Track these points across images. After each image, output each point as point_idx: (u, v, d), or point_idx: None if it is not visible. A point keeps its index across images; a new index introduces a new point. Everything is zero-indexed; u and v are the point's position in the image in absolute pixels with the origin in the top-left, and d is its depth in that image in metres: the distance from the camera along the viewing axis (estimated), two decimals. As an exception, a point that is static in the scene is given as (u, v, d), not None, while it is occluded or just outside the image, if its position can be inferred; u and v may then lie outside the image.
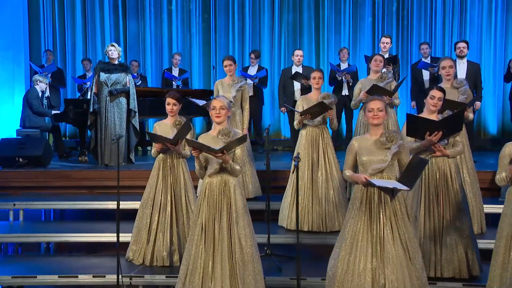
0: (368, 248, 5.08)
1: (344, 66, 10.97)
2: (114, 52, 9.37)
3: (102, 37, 13.56)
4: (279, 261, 6.56)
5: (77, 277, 6.36)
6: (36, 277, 6.44)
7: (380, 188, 4.99)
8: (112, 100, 9.30)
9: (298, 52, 10.78)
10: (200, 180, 6.12)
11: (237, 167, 5.37)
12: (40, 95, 10.96)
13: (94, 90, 9.44)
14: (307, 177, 7.28)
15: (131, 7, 13.52)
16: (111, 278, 5.97)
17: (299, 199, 7.22)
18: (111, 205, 7.96)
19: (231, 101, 7.93)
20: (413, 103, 10.48)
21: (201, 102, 8.59)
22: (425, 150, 5.84)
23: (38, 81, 10.92)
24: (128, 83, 9.43)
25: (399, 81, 7.93)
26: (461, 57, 9.60)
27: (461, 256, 5.83)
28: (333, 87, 11.06)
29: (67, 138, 13.32)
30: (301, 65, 10.73)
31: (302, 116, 7.29)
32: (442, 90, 5.98)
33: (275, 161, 9.75)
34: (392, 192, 5.01)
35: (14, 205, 8.21)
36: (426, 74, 10.39)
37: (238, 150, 5.42)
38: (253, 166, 8.21)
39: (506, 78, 10.79)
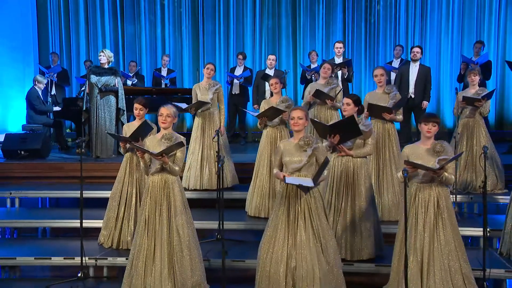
0: (285, 236, 5.43)
1: (313, 67, 11.25)
2: (103, 57, 9.72)
3: (103, 39, 13.88)
4: (230, 245, 6.82)
5: (50, 259, 6.70)
6: (15, 258, 6.77)
7: (294, 184, 5.38)
8: (102, 96, 9.62)
9: (271, 57, 11.14)
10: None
11: (176, 168, 5.67)
12: (41, 93, 11.27)
13: (86, 90, 9.82)
14: (265, 172, 7.57)
15: (128, 13, 13.80)
16: (80, 259, 6.33)
17: (259, 187, 7.65)
18: (99, 194, 8.34)
19: (208, 102, 8.25)
20: None
21: (183, 106, 8.72)
22: (334, 150, 6.20)
23: (37, 81, 11.24)
24: (116, 85, 9.75)
25: (340, 90, 8.19)
26: (415, 61, 9.90)
27: (366, 240, 6.21)
28: (303, 85, 11.39)
29: (73, 131, 13.62)
30: (273, 68, 11.07)
31: (260, 119, 7.61)
32: (350, 97, 6.29)
33: (251, 154, 10.11)
34: (307, 188, 5.38)
35: (11, 193, 8.53)
36: (393, 75, 10.66)
37: (179, 153, 5.70)
38: (230, 159, 8.45)
39: (458, 78, 10.99)
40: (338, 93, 8.04)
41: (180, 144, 5.65)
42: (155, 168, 5.74)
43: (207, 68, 8.49)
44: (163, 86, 12.36)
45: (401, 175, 5.40)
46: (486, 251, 6.33)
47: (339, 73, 10.38)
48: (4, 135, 10.70)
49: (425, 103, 9.91)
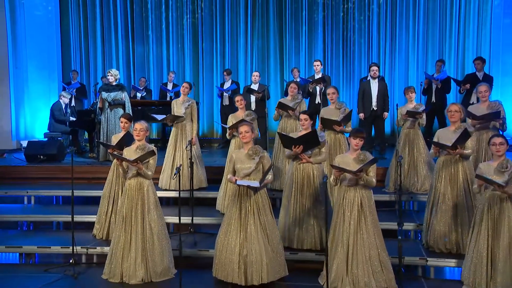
0: (238, 229, 5.89)
1: (296, 81, 11.57)
2: (111, 77, 10.14)
3: (116, 58, 14.30)
4: (202, 237, 7.31)
5: (50, 248, 7.17)
6: (21, 247, 7.25)
7: (244, 186, 5.84)
8: (112, 109, 10.03)
9: (255, 73, 11.37)
10: None
11: (149, 173, 6.14)
12: (64, 106, 11.82)
13: (98, 105, 10.30)
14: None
15: (138, 35, 14.18)
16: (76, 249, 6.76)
17: (230, 188, 7.93)
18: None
19: (181, 116, 8.52)
20: (361, 115, 10.39)
21: (159, 117, 8.99)
22: (296, 157, 6.59)
23: (62, 96, 11.81)
24: (123, 98, 10.15)
25: (301, 99, 8.58)
26: (374, 78, 10.19)
27: (317, 234, 6.61)
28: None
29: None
30: (258, 83, 11.36)
31: (230, 130, 8.04)
32: (305, 113, 6.70)
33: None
34: (256, 188, 5.83)
35: (27, 192, 8.99)
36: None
37: (151, 160, 6.16)
38: (201, 165, 8.70)
39: (422, 92, 11.25)
40: (297, 105, 8.44)
41: (152, 153, 6.10)
42: (131, 173, 6.19)
43: (183, 86, 8.79)
44: (168, 98, 12.76)
45: (331, 180, 5.87)
46: (414, 242, 6.76)
47: (317, 87, 10.76)
48: (26, 141, 11.23)
49: (385, 114, 10.19)
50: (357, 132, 5.90)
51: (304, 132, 6.64)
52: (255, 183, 5.77)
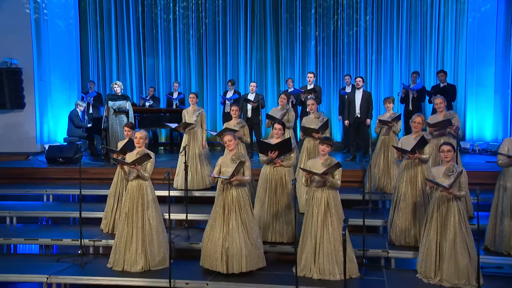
0: (221, 225, 6.29)
1: (290, 91, 11.91)
2: (118, 88, 10.52)
3: (129, 70, 14.71)
4: (197, 232, 7.63)
5: (62, 240, 7.61)
6: (38, 239, 7.70)
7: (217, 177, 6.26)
8: (116, 115, 10.40)
9: (252, 84, 11.74)
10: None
11: (146, 174, 6.56)
12: (80, 114, 12.31)
13: (105, 113, 10.68)
14: None
15: (148, 48, 14.59)
16: (85, 241, 7.27)
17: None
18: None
19: (193, 124, 8.85)
20: (346, 122, 10.86)
21: (173, 125, 9.30)
22: (271, 161, 6.98)
23: (78, 105, 12.31)
24: (127, 107, 10.50)
25: (287, 110, 8.94)
26: (358, 88, 10.54)
27: (289, 229, 6.99)
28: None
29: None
30: (254, 93, 11.71)
31: (219, 136, 8.33)
32: (280, 123, 7.07)
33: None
34: (226, 179, 6.19)
35: (46, 191, 9.42)
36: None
37: (149, 164, 6.58)
38: (209, 166, 8.91)
39: (401, 101, 11.58)
40: (284, 115, 8.80)
41: (148, 156, 6.52)
42: (132, 176, 6.63)
43: (190, 97, 9.12)
44: (174, 106, 13.15)
45: (303, 182, 6.26)
46: (381, 237, 7.12)
47: (308, 97, 11.09)
48: (47, 145, 11.70)
49: (368, 120, 10.47)
50: (324, 139, 6.32)
51: (276, 139, 7.02)
52: (225, 176, 6.17)
